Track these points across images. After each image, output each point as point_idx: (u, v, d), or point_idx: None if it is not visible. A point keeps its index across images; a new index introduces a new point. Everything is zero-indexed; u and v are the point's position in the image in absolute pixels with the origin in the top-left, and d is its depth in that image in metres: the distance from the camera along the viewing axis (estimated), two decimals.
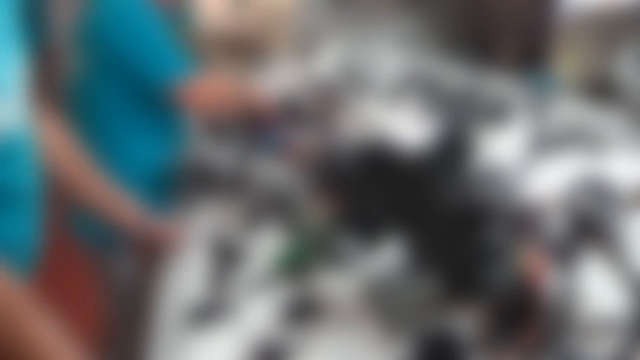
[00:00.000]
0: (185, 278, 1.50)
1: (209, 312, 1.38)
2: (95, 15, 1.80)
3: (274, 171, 1.87)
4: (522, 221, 1.55)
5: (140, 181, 1.78)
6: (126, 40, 1.76)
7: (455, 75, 2.40)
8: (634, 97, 2.40)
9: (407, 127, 2.04)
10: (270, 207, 1.69)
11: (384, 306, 1.37)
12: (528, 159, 1.91)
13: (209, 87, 1.84)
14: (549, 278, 1.38)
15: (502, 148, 1.96)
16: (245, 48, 2.96)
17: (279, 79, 2.47)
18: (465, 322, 1.32)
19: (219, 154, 2.03)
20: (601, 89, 2.49)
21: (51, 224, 1.41)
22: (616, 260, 1.52)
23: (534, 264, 1.37)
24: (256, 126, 2.01)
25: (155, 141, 1.91)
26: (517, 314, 1.30)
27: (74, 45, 1.87)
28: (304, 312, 1.37)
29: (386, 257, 1.47)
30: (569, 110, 2.20)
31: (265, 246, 1.57)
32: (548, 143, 2.00)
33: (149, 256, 1.73)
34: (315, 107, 2.17)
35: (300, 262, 1.50)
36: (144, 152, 1.89)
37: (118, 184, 1.56)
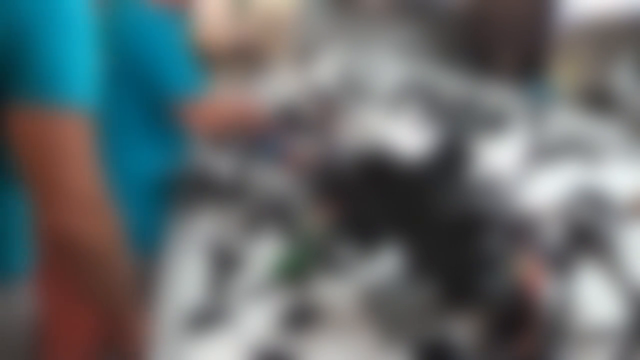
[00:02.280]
0: (185, 285, 1.50)
1: (208, 318, 1.38)
2: (117, 23, 1.80)
3: (272, 179, 1.87)
4: (519, 230, 1.56)
5: (141, 188, 1.79)
6: (144, 52, 1.79)
7: (453, 84, 2.41)
8: (631, 107, 2.41)
9: (406, 136, 2.05)
10: (269, 214, 1.70)
11: (381, 314, 1.38)
12: (525, 169, 1.92)
13: (211, 109, 1.87)
14: (545, 287, 1.39)
15: (499, 157, 1.96)
16: (244, 56, 2.97)
17: (278, 88, 2.48)
18: (462, 330, 1.33)
19: (218, 162, 2.04)
20: (598, 100, 2.50)
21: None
22: (612, 270, 1.53)
23: (531, 273, 1.38)
24: (255, 136, 2.02)
25: (158, 149, 1.92)
26: (514, 322, 1.31)
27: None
28: (302, 319, 1.37)
29: (384, 265, 1.47)
30: (567, 121, 2.21)
31: (264, 253, 1.57)
32: (545, 153, 2.01)
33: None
34: (314, 116, 2.17)
35: (298, 269, 1.50)
36: (147, 159, 1.90)
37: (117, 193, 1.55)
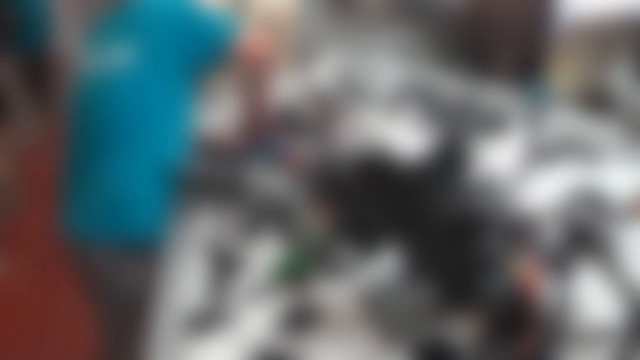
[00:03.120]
0: (184, 286, 1.50)
1: (208, 320, 1.38)
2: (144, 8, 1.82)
3: (272, 181, 1.87)
4: (518, 231, 1.56)
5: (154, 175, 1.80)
6: (188, 17, 1.79)
7: (452, 86, 2.41)
8: (629, 108, 2.41)
9: (405, 138, 2.05)
10: (268, 216, 1.70)
11: (381, 315, 1.38)
12: (524, 170, 1.92)
13: (254, 42, 1.84)
14: (544, 288, 1.39)
15: (498, 159, 1.97)
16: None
17: (277, 89, 2.48)
18: (461, 331, 1.33)
19: (217, 163, 2.04)
20: (596, 101, 2.51)
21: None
22: (611, 270, 1.53)
23: (530, 274, 1.38)
24: (255, 137, 2.02)
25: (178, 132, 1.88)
26: (513, 323, 1.31)
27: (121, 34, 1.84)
28: (302, 321, 1.37)
29: (383, 266, 1.48)
30: (565, 122, 2.21)
31: (264, 255, 1.58)
32: (544, 154, 2.01)
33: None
34: (313, 117, 2.18)
35: (298, 270, 1.51)
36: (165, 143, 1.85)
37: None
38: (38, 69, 4.41)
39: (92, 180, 1.83)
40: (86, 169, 1.84)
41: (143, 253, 1.79)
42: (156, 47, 1.79)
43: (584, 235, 1.62)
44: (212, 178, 1.91)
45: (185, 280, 1.52)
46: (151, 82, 1.80)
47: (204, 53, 1.82)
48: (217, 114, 2.17)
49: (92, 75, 1.84)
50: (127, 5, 1.86)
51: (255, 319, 1.39)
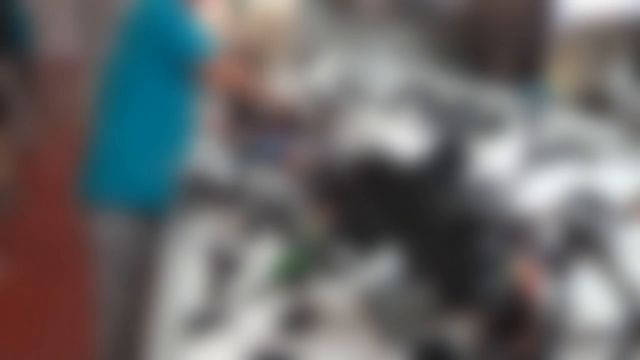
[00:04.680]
0: (183, 287, 1.51)
1: (207, 321, 1.39)
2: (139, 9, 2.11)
3: (271, 181, 1.88)
4: (517, 232, 1.57)
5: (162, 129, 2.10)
6: (164, 26, 2.07)
7: (451, 87, 2.42)
8: (627, 109, 2.42)
9: (404, 139, 2.05)
10: (267, 217, 1.70)
11: (379, 315, 1.39)
12: (522, 171, 1.93)
13: (225, 68, 2.13)
14: (542, 288, 1.40)
15: (496, 159, 1.97)
16: (243, 59, 2.97)
17: (276, 90, 2.49)
18: (459, 331, 1.34)
19: (217, 164, 2.05)
20: (595, 102, 2.51)
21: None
22: (608, 270, 1.54)
23: (528, 274, 1.39)
24: (254, 138, 2.05)
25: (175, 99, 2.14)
26: (511, 323, 1.32)
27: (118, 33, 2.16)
28: (300, 322, 1.38)
29: (382, 267, 1.48)
30: (563, 122, 2.22)
31: (263, 256, 1.58)
32: (542, 155, 2.02)
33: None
34: (313, 118, 2.18)
35: (297, 271, 1.51)
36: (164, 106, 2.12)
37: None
38: (33, 70, 4.42)
39: (101, 146, 2.13)
40: (98, 138, 2.15)
41: (145, 217, 2.07)
42: (139, 45, 2.10)
43: (582, 235, 1.63)
44: (211, 179, 1.92)
45: (184, 281, 1.53)
46: (138, 70, 2.12)
47: (174, 59, 2.07)
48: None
49: (106, 65, 2.21)
50: (124, 10, 2.14)
51: (255, 320, 1.40)
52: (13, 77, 4.23)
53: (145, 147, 2.10)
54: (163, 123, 2.13)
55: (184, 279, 1.54)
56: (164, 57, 2.08)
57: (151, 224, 2.06)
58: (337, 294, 1.45)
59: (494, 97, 2.36)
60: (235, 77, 2.18)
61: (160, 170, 2.06)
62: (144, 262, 2.06)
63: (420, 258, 1.44)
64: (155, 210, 2.05)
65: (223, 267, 1.55)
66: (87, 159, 2.18)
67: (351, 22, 2.81)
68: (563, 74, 2.63)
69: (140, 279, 2.06)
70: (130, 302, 2.08)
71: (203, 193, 1.87)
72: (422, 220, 1.50)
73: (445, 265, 1.40)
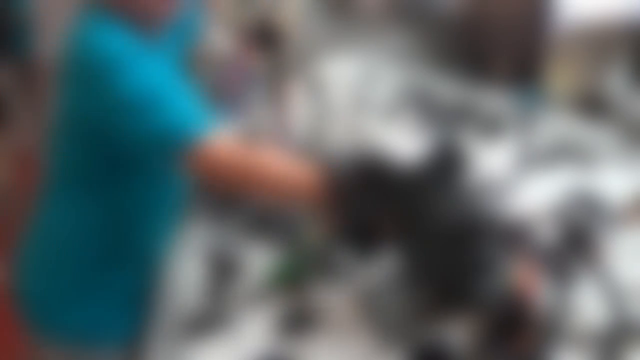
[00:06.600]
0: (183, 290, 1.51)
1: (206, 324, 1.39)
2: (78, 44, 1.37)
3: None
4: (514, 235, 1.57)
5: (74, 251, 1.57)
6: (116, 87, 1.30)
7: (449, 90, 2.42)
8: (625, 113, 2.42)
9: (402, 142, 2.06)
10: (266, 220, 1.70)
11: (377, 318, 1.39)
12: (520, 173, 1.93)
13: (219, 152, 1.31)
14: (540, 291, 1.40)
15: (495, 162, 1.98)
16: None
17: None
18: (458, 334, 1.34)
19: None
20: (593, 105, 2.51)
21: None
22: (605, 274, 1.54)
23: (525, 277, 1.39)
24: None
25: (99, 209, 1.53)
26: (509, 326, 1.32)
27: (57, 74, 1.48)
28: (299, 325, 1.38)
29: (380, 270, 1.48)
30: (561, 125, 2.22)
31: (262, 259, 1.58)
32: (540, 158, 2.02)
33: None
34: (312, 119, 2.19)
35: (296, 274, 1.51)
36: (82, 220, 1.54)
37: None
38: (32, 73, 4.42)
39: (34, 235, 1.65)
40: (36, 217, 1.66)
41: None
42: (76, 112, 1.46)
43: (579, 239, 1.63)
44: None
45: (184, 284, 1.53)
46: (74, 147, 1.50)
47: (138, 145, 1.35)
48: None
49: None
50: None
51: (254, 323, 1.40)
52: (12, 80, 4.23)
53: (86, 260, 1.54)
54: (115, 230, 1.52)
55: (184, 281, 1.54)
56: (116, 139, 1.34)
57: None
58: (336, 296, 1.45)
59: (492, 100, 2.36)
60: (237, 165, 1.32)
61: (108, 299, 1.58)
62: None
63: (419, 261, 1.44)
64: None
65: (223, 270, 1.55)
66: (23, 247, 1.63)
67: (349, 26, 2.82)
68: (561, 77, 2.63)
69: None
70: None
71: (203, 196, 1.86)
72: (421, 223, 1.51)
73: (444, 268, 1.41)
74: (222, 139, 1.32)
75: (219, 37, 2.21)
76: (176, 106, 1.31)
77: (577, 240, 1.62)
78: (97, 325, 1.58)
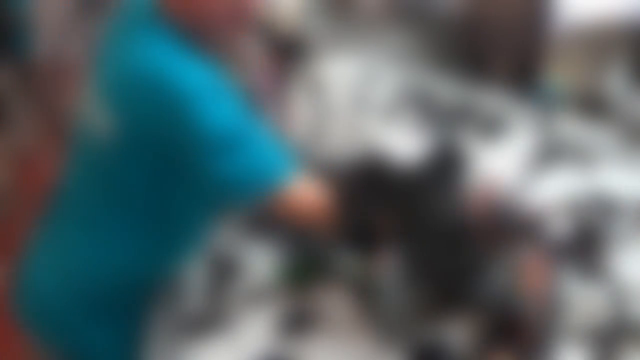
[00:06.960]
0: (183, 290, 1.51)
1: (207, 324, 1.39)
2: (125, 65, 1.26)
3: None
4: (519, 233, 1.57)
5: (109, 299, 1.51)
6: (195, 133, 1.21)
7: (449, 90, 2.42)
8: (625, 112, 2.42)
9: (402, 142, 2.06)
10: (267, 220, 1.70)
11: (377, 319, 1.39)
12: (522, 174, 1.93)
13: (301, 197, 1.30)
14: (542, 291, 1.40)
15: (495, 163, 1.98)
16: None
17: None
18: (457, 335, 1.34)
19: None
20: (593, 105, 2.51)
21: None
22: (610, 273, 1.54)
23: (527, 277, 1.39)
24: None
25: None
26: (509, 325, 1.32)
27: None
28: (299, 325, 1.38)
29: (380, 270, 1.48)
30: (562, 125, 2.22)
31: (262, 259, 1.58)
32: (542, 158, 2.02)
33: None
34: (310, 120, 2.19)
35: (296, 275, 1.51)
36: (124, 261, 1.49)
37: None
38: (32, 73, 4.42)
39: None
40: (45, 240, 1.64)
41: None
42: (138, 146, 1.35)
43: (582, 239, 1.63)
44: None
45: (184, 284, 1.53)
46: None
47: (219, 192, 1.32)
48: None
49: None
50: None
51: (255, 323, 1.40)
52: (12, 80, 4.23)
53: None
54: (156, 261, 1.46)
55: (184, 281, 1.54)
56: (192, 175, 1.26)
57: None
58: (336, 296, 1.45)
59: (492, 100, 2.36)
60: (310, 208, 1.32)
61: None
62: None
63: (419, 261, 1.44)
64: None
65: (223, 270, 1.55)
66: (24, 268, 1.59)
67: (349, 26, 2.82)
68: (562, 77, 2.63)
69: None
70: None
71: None
72: (421, 223, 1.51)
73: (444, 268, 1.41)
74: (301, 185, 1.29)
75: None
76: (258, 149, 1.25)
77: (580, 241, 1.62)
78: (106, 350, 1.53)
